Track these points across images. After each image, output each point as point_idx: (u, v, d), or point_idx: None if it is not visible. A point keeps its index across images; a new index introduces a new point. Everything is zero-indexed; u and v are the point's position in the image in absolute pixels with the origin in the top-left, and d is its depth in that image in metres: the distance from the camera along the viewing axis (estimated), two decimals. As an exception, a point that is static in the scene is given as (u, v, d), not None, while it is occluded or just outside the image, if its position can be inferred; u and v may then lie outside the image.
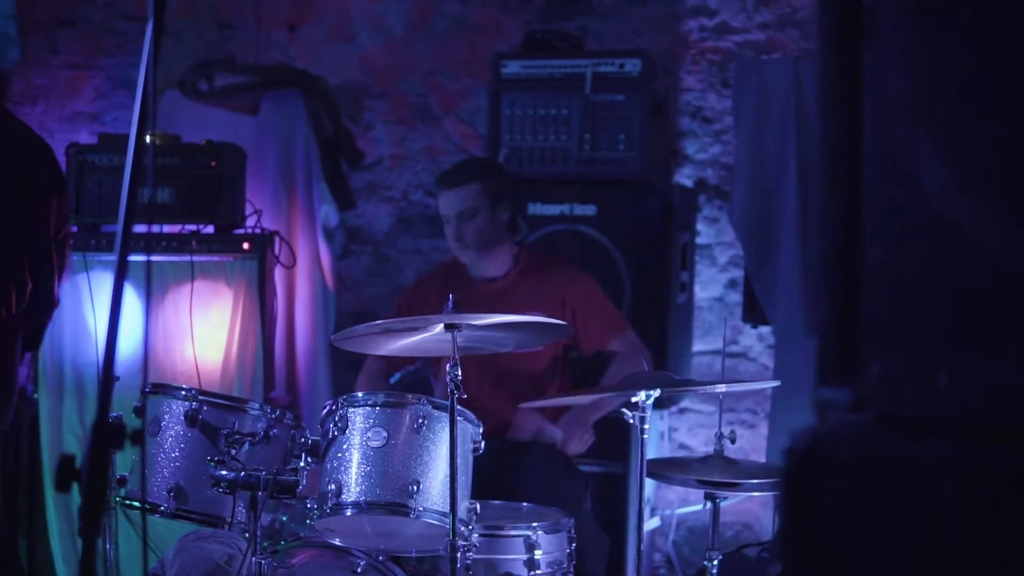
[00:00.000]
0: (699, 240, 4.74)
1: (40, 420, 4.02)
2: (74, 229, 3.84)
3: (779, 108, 4.12)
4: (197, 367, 3.99)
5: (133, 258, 1.67)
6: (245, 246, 4.07)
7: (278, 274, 4.24)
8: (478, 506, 2.85)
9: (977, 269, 0.96)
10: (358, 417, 2.83)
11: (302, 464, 2.86)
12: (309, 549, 2.90)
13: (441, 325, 2.74)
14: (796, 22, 4.66)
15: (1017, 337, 0.94)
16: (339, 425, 2.83)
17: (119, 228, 1.64)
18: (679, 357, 4.47)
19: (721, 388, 3.05)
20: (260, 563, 2.67)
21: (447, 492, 2.70)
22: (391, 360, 3.78)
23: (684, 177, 4.80)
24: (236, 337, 4.06)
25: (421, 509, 2.75)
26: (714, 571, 2.98)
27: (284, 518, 3.06)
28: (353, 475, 2.78)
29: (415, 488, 2.73)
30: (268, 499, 2.68)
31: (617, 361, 3.68)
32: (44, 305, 3.11)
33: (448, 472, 2.70)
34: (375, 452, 2.78)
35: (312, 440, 2.89)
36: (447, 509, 2.69)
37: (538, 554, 2.99)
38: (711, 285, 4.78)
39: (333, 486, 2.77)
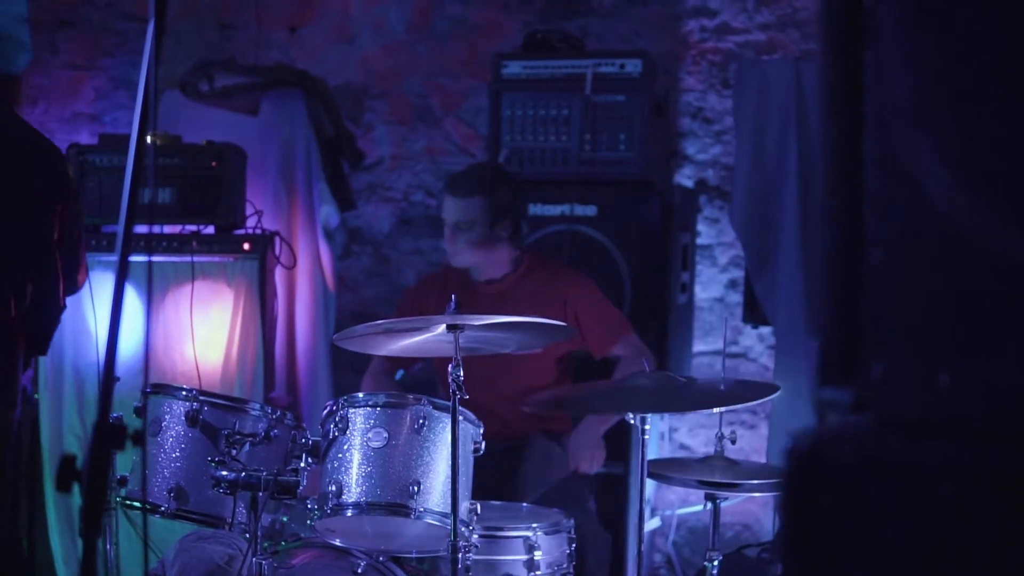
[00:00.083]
0: (700, 240, 4.74)
1: (40, 420, 4.01)
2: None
3: (780, 109, 4.12)
4: (197, 367, 3.99)
5: (134, 259, 1.67)
6: (246, 247, 4.07)
7: (278, 275, 4.24)
8: (479, 507, 2.85)
9: (978, 270, 0.96)
10: (359, 418, 2.83)
11: (303, 465, 2.86)
12: (310, 550, 2.90)
13: (443, 326, 2.74)
14: (797, 22, 4.66)
15: (1018, 338, 0.94)
16: (340, 426, 2.83)
17: (120, 229, 1.64)
18: (679, 357, 4.47)
19: (718, 410, 3.04)
20: (260, 564, 2.67)
21: (448, 493, 2.70)
22: (396, 360, 3.79)
23: (685, 177, 4.80)
24: (236, 338, 4.06)
25: (422, 510, 2.75)
26: (714, 572, 2.98)
27: (285, 519, 3.06)
28: (354, 476, 2.78)
29: (416, 489, 2.73)
30: (269, 500, 2.68)
31: (621, 365, 3.69)
32: (48, 308, 3.10)
33: (449, 473, 2.70)
34: (376, 453, 2.78)
35: (313, 441, 2.89)
36: (448, 510, 2.69)
37: (538, 555, 2.99)
38: (712, 285, 4.78)
39: (334, 487, 2.77)
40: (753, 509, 4.68)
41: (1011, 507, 0.93)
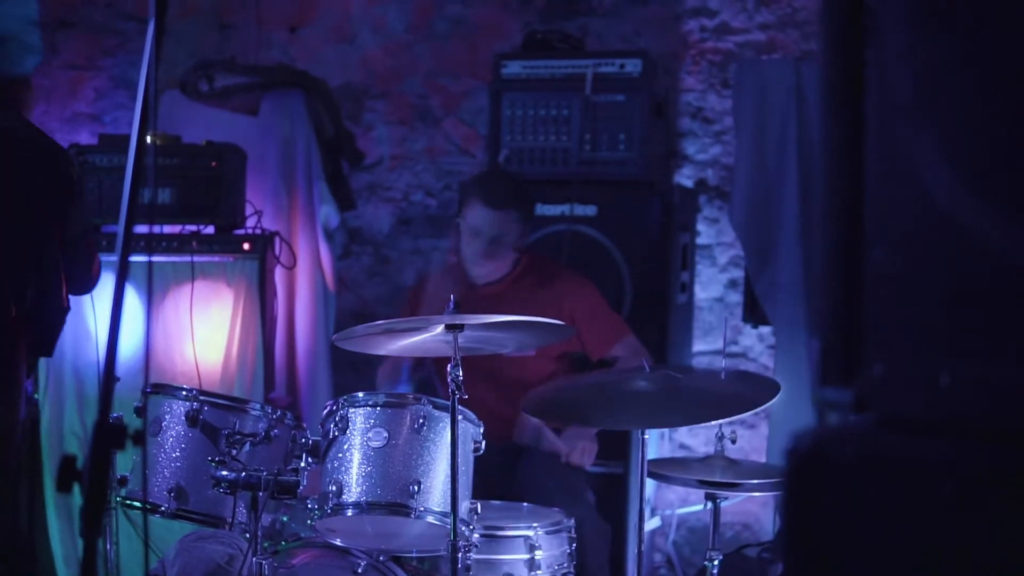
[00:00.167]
0: (699, 240, 4.74)
1: (40, 420, 4.01)
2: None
3: (779, 108, 4.12)
4: (197, 367, 3.99)
5: (134, 259, 1.67)
6: (245, 246, 4.07)
7: (278, 274, 4.24)
8: (479, 506, 2.85)
9: (979, 269, 0.96)
10: (358, 417, 2.83)
11: (303, 464, 2.86)
12: (310, 549, 2.90)
13: (441, 326, 2.74)
14: (796, 22, 4.66)
15: (1018, 338, 0.94)
16: (340, 425, 2.83)
17: (120, 229, 1.64)
18: (679, 357, 4.47)
19: (716, 425, 3.04)
20: (261, 563, 2.67)
21: (448, 492, 2.70)
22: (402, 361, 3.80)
23: (684, 177, 4.80)
24: (236, 337, 4.06)
25: (422, 509, 2.75)
26: (714, 571, 2.98)
27: (285, 518, 3.06)
28: (354, 475, 2.78)
29: (416, 488, 2.73)
30: (269, 499, 2.68)
31: (619, 366, 3.69)
32: (51, 310, 3.10)
33: (449, 472, 2.70)
34: (376, 452, 2.78)
35: (313, 440, 2.89)
36: (448, 509, 2.69)
37: (539, 554, 2.99)
38: (711, 285, 4.78)
39: (334, 486, 2.77)
40: (753, 509, 4.68)
41: (1011, 507, 0.93)
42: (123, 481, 2.83)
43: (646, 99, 4.26)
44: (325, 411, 2.91)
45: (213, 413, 2.89)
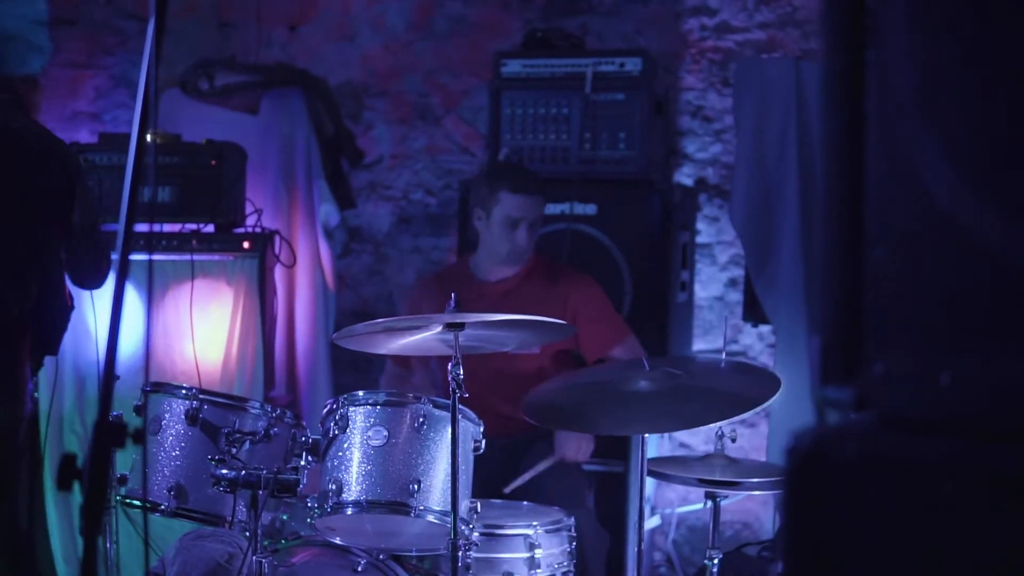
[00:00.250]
0: (699, 239, 4.74)
1: (40, 419, 4.01)
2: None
3: (780, 107, 4.12)
4: (197, 366, 3.99)
5: (134, 257, 1.67)
6: (245, 245, 4.08)
7: (278, 273, 4.24)
8: (479, 505, 2.85)
9: (980, 269, 0.96)
10: (359, 416, 2.83)
11: (303, 463, 2.86)
12: (310, 548, 2.90)
13: (442, 324, 2.74)
14: (797, 21, 4.65)
15: (1020, 337, 0.94)
16: (340, 424, 2.83)
17: (121, 228, 1.65)
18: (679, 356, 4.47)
19: (716, 424, 3.03)
20: (261, 562, 2.67)
21: (448, 491, 2.70)
22: (405, 361, 3.80)
23: (684, 176, 4.80)
24: (236, 336, 4.06)
25: (422, 508, 2.75)
26: (714, 570, 2.98)
27: (285, 517, 3.06)
28: (354, 474, 2.78)
29: (416, 487, 2.74)
30: (269, 498, 2.68)
31: (615, 361, 3.69)
32: (54, 308, 3.10)
33: (449, 471, 2.70)
34: (376, 451, 2.78)
35: (313, 439, 2.89)
36: (448, 508, 2.69)
37: (539, 553, 2.99)
38: (711, 284, 4.78)
39: (334, 485, 2.77)
40: (753, 507, 4.69)
41: (1011, 507, 0.93)
42: (123, 479, 2.83)
43: (646, 98, 4.26)
44: (325, 409, 2.91)
45: (213, 411, 2.89)
